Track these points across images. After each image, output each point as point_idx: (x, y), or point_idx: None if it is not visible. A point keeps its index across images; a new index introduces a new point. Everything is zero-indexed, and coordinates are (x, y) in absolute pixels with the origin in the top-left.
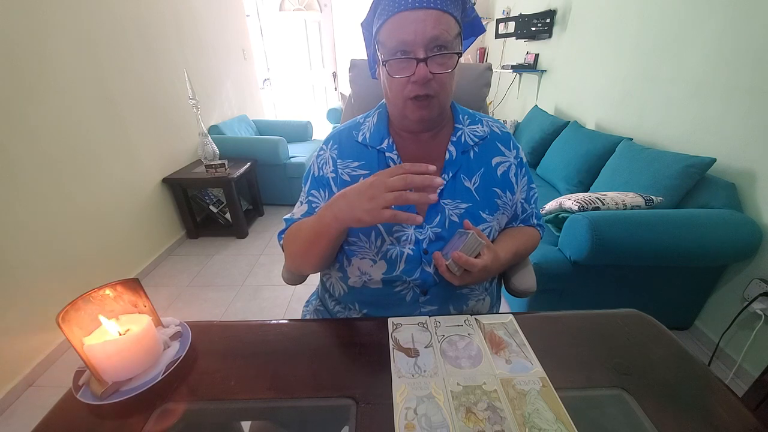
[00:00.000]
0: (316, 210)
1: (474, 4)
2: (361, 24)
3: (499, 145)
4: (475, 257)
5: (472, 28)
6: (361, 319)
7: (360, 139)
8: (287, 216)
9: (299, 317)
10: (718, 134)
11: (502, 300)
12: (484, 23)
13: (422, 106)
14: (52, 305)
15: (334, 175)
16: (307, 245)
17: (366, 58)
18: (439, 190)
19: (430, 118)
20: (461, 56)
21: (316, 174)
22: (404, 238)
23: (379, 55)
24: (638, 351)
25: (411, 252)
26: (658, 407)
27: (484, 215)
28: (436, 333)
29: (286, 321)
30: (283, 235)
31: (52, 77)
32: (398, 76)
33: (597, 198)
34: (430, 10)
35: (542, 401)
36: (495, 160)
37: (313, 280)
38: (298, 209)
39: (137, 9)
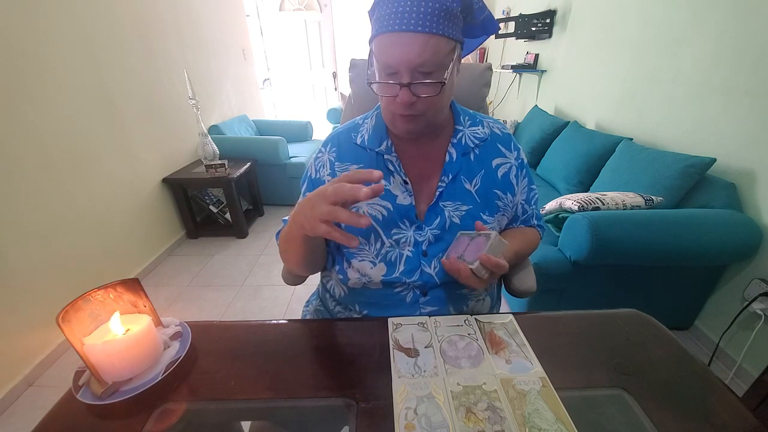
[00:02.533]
0: None
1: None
2: (369, 12)
3: (500, 146)
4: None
5: (484, 27)
6: (361, 320)
7: (358, 141)
8: (286, 218)
9: (299, 317)
10: (718, 134)
11: (502, 300)
12: None
13: (409, 121)
14: (52, 305)
15: (330, 178)
16: (285, 248)
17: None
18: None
19: (418, 131)
20: (445, 84)
21: (313, 176)
22: (403, 240)
23: (372, 61)
24: (638, 351)
25: (410, 254)
26: (658, 407)
27: (484, 217)
28: (436, 333)
29: (286, 321)
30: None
31: (52, 77)
32: (384, 95)
33: (597, 198)
34: (417, 34)
35: (542, 401)
36: (495, 162)
37: (314, 281)
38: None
39: (137, 9)
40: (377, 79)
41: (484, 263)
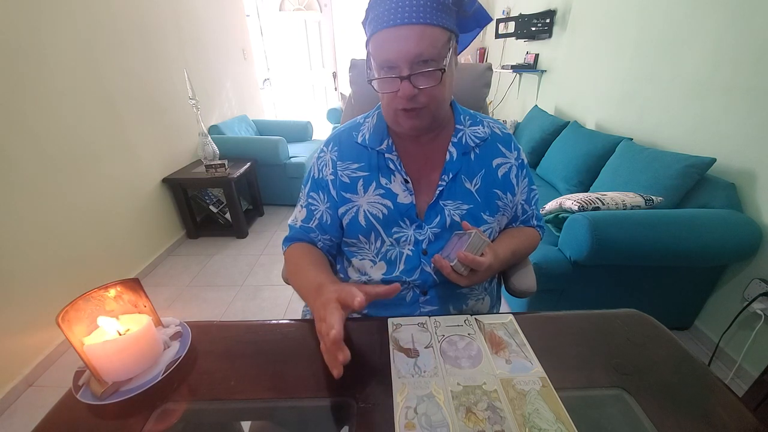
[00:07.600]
0: (315, 213)
1: None
2: (362, 23)
3: (500, 146)
4: (479, 256)
5: (477, 19)
6: (361, 320)
7: (359, 140)
8: (291, 221)
9: (299, 317)
10: (718, 134)
11: (502, 300)
12: None
13: (412, 116)
14: (52, 305)
15: (333, 177)
16: (292, 283)
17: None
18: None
19: (422, 126)
20: (445, 71)
21: (316, 176)
22: (404, 239)
23: (370, 63)
24: (638, 351)
25: (410, 253)
26: (658, 407)
27: (485, 216)
28: (435, 333)
29: (286, 321)
30: (286, 248)
31: (52, 77)
32: (385, 92)
33: (597, 198)
34: (413, 26)
35: (542, 401)
36: (496, 162)
37: None
38: (299, 213)
39: (137, 9)
40: (376, 76)
41: (461, 260)
